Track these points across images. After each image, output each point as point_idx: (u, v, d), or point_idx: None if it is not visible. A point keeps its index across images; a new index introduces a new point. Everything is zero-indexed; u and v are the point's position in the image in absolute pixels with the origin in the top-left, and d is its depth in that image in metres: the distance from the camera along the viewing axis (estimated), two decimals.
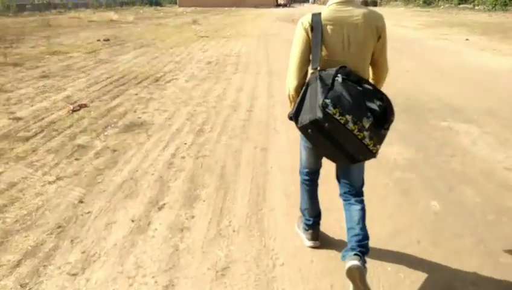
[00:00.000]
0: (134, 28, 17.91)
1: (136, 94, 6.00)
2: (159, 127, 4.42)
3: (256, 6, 41.52)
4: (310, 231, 2.25)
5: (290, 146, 3.73)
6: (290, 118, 1.79)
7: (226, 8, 38.45)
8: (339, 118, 1.56)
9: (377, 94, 1.71)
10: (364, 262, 1.76)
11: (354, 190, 1.98)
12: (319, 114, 1.57)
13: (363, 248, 1.81)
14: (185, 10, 34.81)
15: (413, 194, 2.92)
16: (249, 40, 13.20)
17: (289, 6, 45.64)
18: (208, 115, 4.86)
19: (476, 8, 28.33)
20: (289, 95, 1.90)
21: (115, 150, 3.74)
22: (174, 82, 6.87)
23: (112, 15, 25.16)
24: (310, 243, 2.25)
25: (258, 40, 13.36)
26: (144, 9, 36.86)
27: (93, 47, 11.46)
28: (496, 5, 26.45)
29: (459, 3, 30.93)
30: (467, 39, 12.36)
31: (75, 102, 5.50)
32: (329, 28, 1.73)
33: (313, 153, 2.06)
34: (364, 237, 1.86)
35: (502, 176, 3.19)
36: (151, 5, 44.85)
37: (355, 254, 1.77)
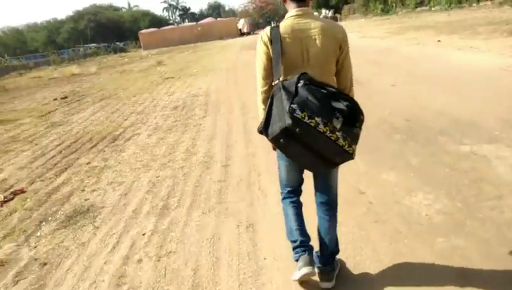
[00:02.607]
0: (96, 80, 17.00)
1: (88, 163, 4.98)
2: (111, 211, 3.41)
3: (221, 37, 41.51)
4: (304, 256, 1.99)
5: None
6: (260, 132, 1.76)
7: (192, 44, 38.20)
8: (308, 121, 1.55)
9: (342, 95, 1.70)
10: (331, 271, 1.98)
11: (328, 202, 2.00)
12: (288, 121, 1.55)
13: (330, 258, 1.99)
14: (149, 53, 34.26)
15: (476, 280, 1.98)
16: (217, 75, 12.45)
17: (253, 33, 45.87)
18: (174, 182, 3.88)
19: (433, 9, 28.81)
20: (259, 108, 1.90)
21: (44, 264, 2.69)
22: (134, 139, 5.89)
23: (73, 69, 24.25)
24: (305, 270, 1.92)
25: (226, 73, 12.62)
26: (107, 58, 36.16)
27: (48, 108, 10.44)
28: (451, 3, 26.95)
29: (416, 7, 31.51)
30: (439, 40, 11.96)
31: (10, 187, 4.44)
32: (288, 40, 1.74)
33: (292, 168, 1.99)
34: (332, 251, 2.01)
35: None
36: (115, 52, 44.32)
37: (323, 266, 1.98)
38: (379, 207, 2.71)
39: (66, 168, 4.91)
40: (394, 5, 36.07)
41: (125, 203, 3.53)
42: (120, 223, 3.15)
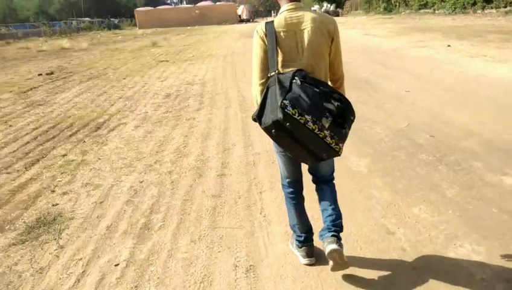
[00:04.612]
0: (86, 56, 16.13)
1: (64, 155, 4.36)
2: (81, 225, 2.82)
3: (219, 23, 40.41)
4: (304, 248, 2.17)
5: (292, 254, 2.26)
6: (254, 120, 1.79)
7: (189, 27, 37.08)
8: (298, 118, 1.61)
9: (334, 95, 1.73)
10: (340, 241, 1.90)
11: (324, 178, 2.09)
12: (280, 114, 1.61)
13: (337, 227, 1.96)
14: (144, 32, 33.11)
15: None
16: (214, 62, 11.77)
17: (252, 21, 44.78)
18: (159, 191, 3.31)
19: (437, 12, 28.31)
20: (255, 100, 1.89)
21: None
22: (119, 130, 5.27)
23: (64, 43, 23.16)
24: (306, 261, 2.17)
25: (224, 61, 11.95)
26: (101, 34, 34.91)
27: (30, 84, 9.68)
28: (455, 8, 26.49)
29: (419, 8, 30.97)
30: (449, 45, 11.46)
31: None
32: (282, 34, 1.79)
33: (290, 160, 2.03)
34: (337, 216, 1.99)
35: None
36: (109, 28, 42.85)
37: (332, 236, 1.90)
38: (416, 258, 2.16)
39: (39, 160, 4.28)
40: (397, 4, 35.50)
41: (99, 215, 2.95)
42: (90, 244, 2.58)
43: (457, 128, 4.27)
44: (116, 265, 2.33)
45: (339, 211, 2.02)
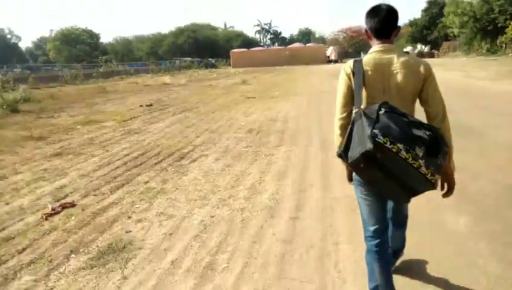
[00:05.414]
0: (183, 91, 17.54)
1: (146, 182, 4.55)
2: (147, 257, 2.79)
3: (307, 63, 41.16)
4: None
5: None
6: (339, 156, 1.76)
7: (278, 67, 38.43)
8: (390, 146, 1.51)
9: (424, 125, 1.65)
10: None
11: (401, 222, 2.20)
12: (369, 145, 1.53)
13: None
14: (237, 71, 35.20)
15: None
16: (299, 100, 11.76)
17: (341, 61, 44.75)
18: (228, 229, 3.17)
19: None
20: (335, 134, 1.89)
21: None
22: (200, 161, 5.38)
23: (166, 79, 25.71)
24: None
25: (308, 99, 11.88)
26: (198, 72, 38.05)
27: (132, 114, 10.71)
28: None
29: None
30: None
31: (64, 197, 4.15)
32: (369, 73, 1.78)
33: (376, 204, 1.89)
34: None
35: None
36: (206, 67, 46.64)
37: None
38: None
39: (123, 185, 4.52)
40: (504, 45, 32.32)
41: (166, 248, 2.90)
42: (152, 278, 2.50)
43: None
44: None
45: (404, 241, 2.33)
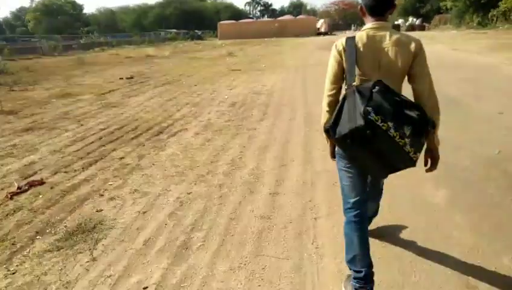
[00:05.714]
0: (166, 63, 17.01)
1: (121, 158, 4.35)
2: (119, 237, 2.64)
3: (297, 35, 40.37)
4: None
5: None
6: (326, 131, 1.79)
7: (266, 39, 37.61)
8: (381, 124, 1.56)
9: (414, 104, 1.69)
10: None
11: (376, 199, 2.28)
12: (360, 122, 1.57)
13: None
14: (223, 43, 34.32)
15: None
16: (285, 73, 11.49)
17: (330, 34, 44.00)
18: (205, 205, 3.03)
19: None
20: (323, 110, 1.91)
21: None
22: (179, 136, 5.18)
23: (149, 50, 24.91)
24: None
25: (295, 72, 11.62)
26: (184, 44, 36.96)
27: (110, 87, 10.32)
28: None
29: None
30: None
31: (32, 175, 3.93)
32: (362, 50, 1.78)
33: (357, 176, 1.90)
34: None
35: None
36: (192, 39, 45.31)
37: None
38: None
39: (97, 161, 4.32)
40: (495, 19, 32.11)
41: (139, 227, 2.75)
42: (123, 259, 2.36)
43: None
44: (144, 288, 2.07)
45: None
